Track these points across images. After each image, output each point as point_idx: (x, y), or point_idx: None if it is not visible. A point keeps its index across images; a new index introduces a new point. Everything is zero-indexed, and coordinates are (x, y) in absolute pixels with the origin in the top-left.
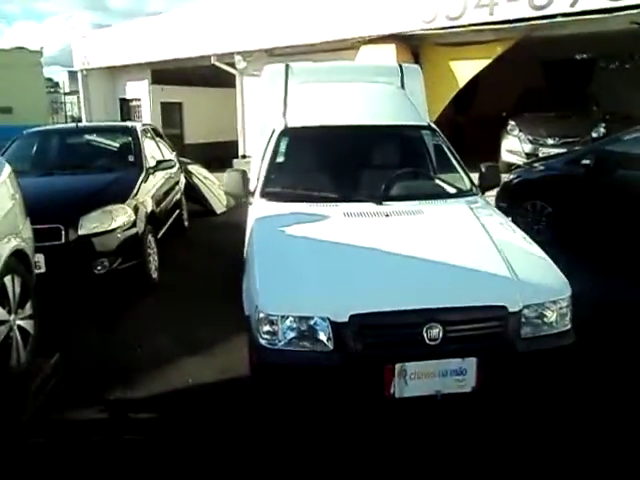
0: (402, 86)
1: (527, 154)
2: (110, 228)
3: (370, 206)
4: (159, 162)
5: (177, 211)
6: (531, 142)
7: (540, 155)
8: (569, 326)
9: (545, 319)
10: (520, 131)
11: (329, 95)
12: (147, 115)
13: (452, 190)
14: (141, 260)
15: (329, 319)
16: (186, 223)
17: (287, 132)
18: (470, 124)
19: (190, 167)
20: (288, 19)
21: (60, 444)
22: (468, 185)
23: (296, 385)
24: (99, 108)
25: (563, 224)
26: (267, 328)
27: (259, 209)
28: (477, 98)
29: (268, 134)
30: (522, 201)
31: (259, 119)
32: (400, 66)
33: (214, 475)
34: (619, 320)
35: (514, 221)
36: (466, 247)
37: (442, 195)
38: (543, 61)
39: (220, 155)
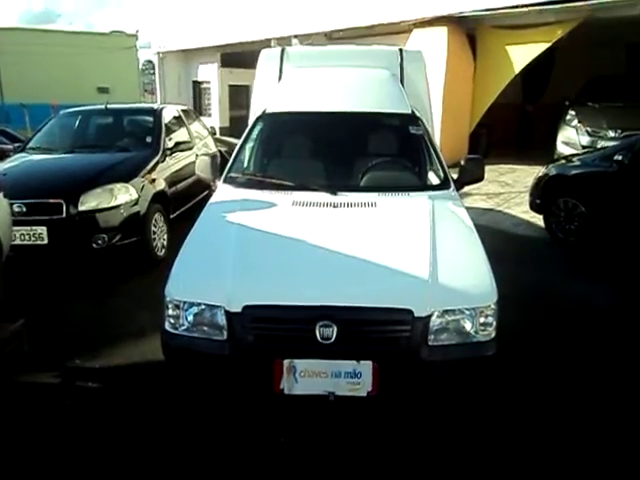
0: (401, 71)
1: (584, 147)
2: (111, 205)
3: (323, 196)
4: (177, 143)
5: (207, 192)
6: (589, 134)
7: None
8: (491, 336)
9: (460, 327)
10: (579, 122)
11: (316, 81)
12: (216, 97)
13: (419, 183)
14: (142, 238)
15: (224, 308)
16: None
17: (264, 117)
18: (541, 114)
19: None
20: (346, 1)
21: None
22: (441, 178)
23: (193, 370)
24: (174, 90)
25: (596, 225)
26: (171, 312)
27: (217, 194)
28: (551, 85)
29: None
30: (554, 198)
31: (253, 104)
32: (400, 50)
33: (121, 447)
34: None
35: (546, 219)
36: (397, 245)
37: (406, 187)
38: (627, 44)
39: None
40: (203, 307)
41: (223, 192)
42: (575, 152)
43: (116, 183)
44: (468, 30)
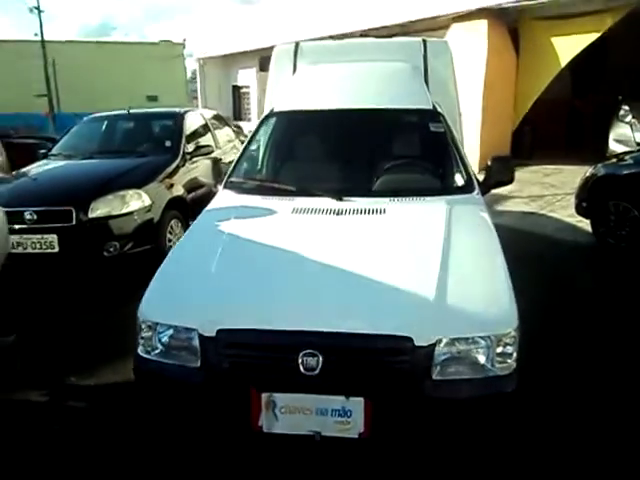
0: (425, 64)
1: (639, 144)
2: (122, 212)
3: (328, 202)
4: (198, 147)
5: None
6: None
7: None
8: (511, 369)
9: (472, 358)
10: (633, 117)
11: (328, 77)
12: (255, 101)
13: (437, 186)
14: (157, 245)
15: (197, 332)
16: None
17: (270, 117)
18: (593, 110)
19: None
20: None
21: None
22: (464, 181)
23: (165, 399)
24: (214, 95)
25: None
26: (145, 334)
27: (216, 199)
28: (604, 78)
29: None
30: (604, 201)
31: (266, 105)
32: (424, 41)
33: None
34: None
35: (594, 224)
36: (402, 260)
37: (421, 191)
38: None
39: None
40: (178, 330)
41: (221, 198)
42: (628, 150)
43: (128, 189)
44: (509, 23)
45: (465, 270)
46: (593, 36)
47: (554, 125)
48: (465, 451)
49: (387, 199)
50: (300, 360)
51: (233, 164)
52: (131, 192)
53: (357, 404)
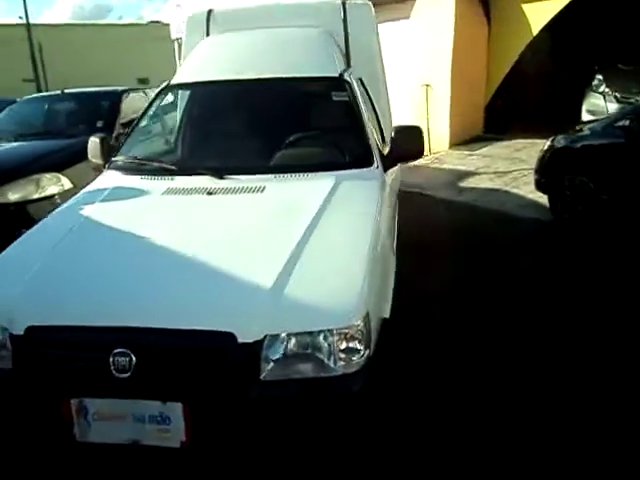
0: (346, 29)
1: None
2: (36, 197)
3: (206, 181)
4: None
5: None
6: (618, 100)
7: None
8: (358, 367)
9: (310, 355)
10: (607, 87)
11: (232, 45)
12: None
13: (330, 160)
14: None
15: (7, 329)
16: None
17: (167, 90)
18: (571, 80)
19: None
20: None
21: None
22: (361, 154)
23: None
24: None
25: (606, 206)
26: None
27: (96, 181)
28: (585, 47)
29: None
30: (560, 175)
31: None
32: (343, 4)
33: None
34: None
35: (552, 200)
36: (253, 247)
37: (312, 167)
38: None
39: None
40: None
41: (101, 180)
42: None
43: (46, 173)
44: None
45: (319, 258)
46: (565, 1)
47: (531, 97)
48: (301, 457)
49: (272, 176)
50: (111, 360)
51: (122, 142)
52: (48, 176)
53: (175, 410)
